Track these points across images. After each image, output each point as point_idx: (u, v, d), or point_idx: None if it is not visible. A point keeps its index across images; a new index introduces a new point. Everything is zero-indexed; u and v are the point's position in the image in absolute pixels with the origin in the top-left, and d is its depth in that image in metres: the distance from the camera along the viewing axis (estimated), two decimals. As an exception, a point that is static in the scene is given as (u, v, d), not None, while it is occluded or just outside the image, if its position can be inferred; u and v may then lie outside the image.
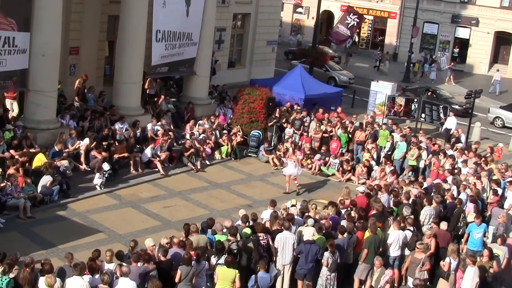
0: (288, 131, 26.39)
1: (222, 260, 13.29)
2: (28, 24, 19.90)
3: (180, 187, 21.55)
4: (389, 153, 24.88)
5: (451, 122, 28.24)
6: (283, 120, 26.71)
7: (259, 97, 26.50)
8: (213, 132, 25.53)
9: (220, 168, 24.22)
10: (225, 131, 26.15)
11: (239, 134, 26.02)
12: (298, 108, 27.75)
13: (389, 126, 26.46)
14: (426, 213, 17.04)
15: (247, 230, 14.60)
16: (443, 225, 16.28)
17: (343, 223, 15.67)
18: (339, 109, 28.40)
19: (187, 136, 24.62)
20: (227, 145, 25.26)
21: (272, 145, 26.00)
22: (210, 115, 26.49)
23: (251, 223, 15.25)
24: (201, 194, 21.26)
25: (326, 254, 14.17)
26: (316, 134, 26.09)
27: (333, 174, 24.51)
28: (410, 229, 15.84)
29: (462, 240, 17.15)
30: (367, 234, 15.14)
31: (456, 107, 34.83)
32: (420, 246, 14.60)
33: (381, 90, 30.50)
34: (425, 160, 23.90)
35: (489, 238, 17.13)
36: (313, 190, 22.86)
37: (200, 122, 25.68)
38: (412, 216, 16.41)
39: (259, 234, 14.51)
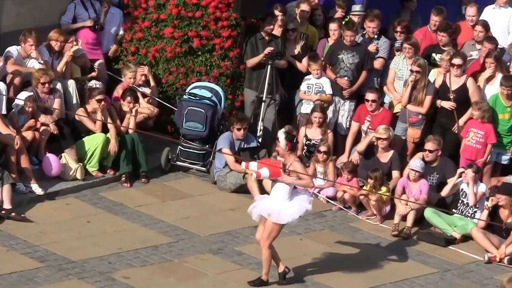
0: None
1: None
2: None
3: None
4: None
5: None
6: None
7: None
8: (57, 91, 21.30)
9: (80, 209, 19.52)
10: (97, 84, 21.45)
11: (147, 94, 22.30)
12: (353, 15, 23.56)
13: None
14: None
15: None
16: None
17: None
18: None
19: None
20: (106, 132, 21.29)
21: (259, 135, 21.54)
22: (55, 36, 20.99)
23: None
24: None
25: None
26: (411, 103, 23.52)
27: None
28: None
29: None
30: None
31: None
32: None
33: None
34: None
35: None
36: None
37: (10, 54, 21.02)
38: None
39: None
